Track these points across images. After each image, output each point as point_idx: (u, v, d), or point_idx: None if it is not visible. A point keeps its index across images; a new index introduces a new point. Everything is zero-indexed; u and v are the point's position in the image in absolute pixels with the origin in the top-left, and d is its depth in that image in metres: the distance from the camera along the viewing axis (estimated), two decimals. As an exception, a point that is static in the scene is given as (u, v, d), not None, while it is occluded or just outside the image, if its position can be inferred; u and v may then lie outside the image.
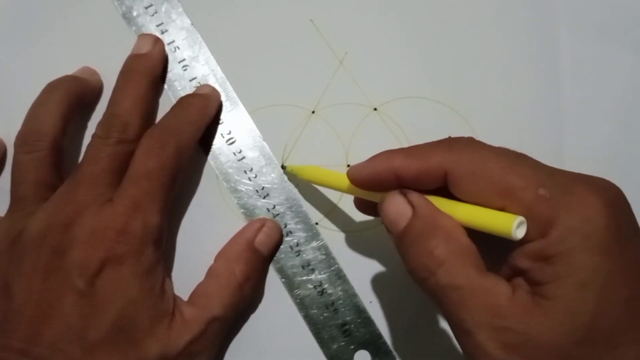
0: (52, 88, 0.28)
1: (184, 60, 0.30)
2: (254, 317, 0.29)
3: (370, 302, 0.29)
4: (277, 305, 0.29)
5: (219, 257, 0.28)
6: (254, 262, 0.27)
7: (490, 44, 0.31)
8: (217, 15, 0.31)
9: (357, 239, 0.29)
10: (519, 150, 0.29)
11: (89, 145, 0.26)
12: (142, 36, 0.30)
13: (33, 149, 0.26)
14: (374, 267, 0.29)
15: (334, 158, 0.30)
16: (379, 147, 0.30)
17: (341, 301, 0.28)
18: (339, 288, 0.28)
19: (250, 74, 0.30)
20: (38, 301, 0.23)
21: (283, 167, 0.29)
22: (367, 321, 0.28)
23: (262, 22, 0.31)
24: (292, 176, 0.29)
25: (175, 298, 0.26)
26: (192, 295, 0.26)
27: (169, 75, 0.30)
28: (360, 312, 0.28)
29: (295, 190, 0.29)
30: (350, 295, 0.28)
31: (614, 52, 0.31)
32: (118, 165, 0.26)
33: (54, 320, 0.23)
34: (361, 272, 0.29)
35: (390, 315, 0.29)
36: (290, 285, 0.28)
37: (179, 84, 0.30)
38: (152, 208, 0.25)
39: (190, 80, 0.30)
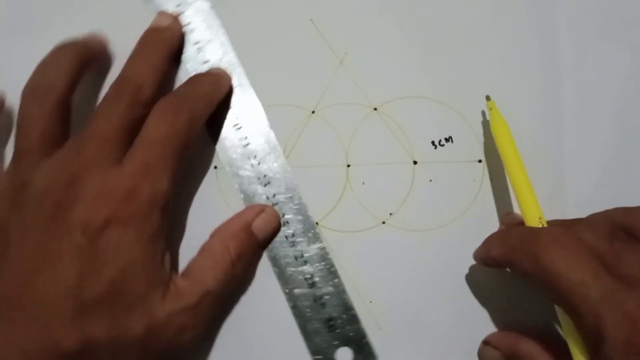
0: (63, 47, 0.28)
1: (198, 42, 0.30)
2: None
3: (371, 302, 0.29)
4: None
5: (214, 234, 0.27)
6: (248, 243, 0.27)
7: (490, 44, 0.31)
8: (215, 16, 0.31)
9: (357, 239, 0.29)
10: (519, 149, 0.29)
11: (99, 106, 0.26)
12: (162, 13, 0.30)
13: (41, 101, 0.26)
14: (374, 267, 0.29)
15: (334, 158, 0.30)
16: (379, 147, 0.30)
17: (330, 296, 0.28)
18: (330, 283, 0.28)
19: (250, 74, 0.30)
20: (35, 251, 0.23)
21: (488, 97, 0.28)
22: (354, 319, 0.28)
23: (262, 21, 0.31)
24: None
25: (171, 270, 0.26)
26: (186, 270, 0.26)
27: (182, 57, 0.30)
28: (348, 309, 0.28)
29: (296, 182, 0.29)
30: (340, 291, 0.28)
31: (613, 52, 0.31)
32: (128, 128, 0.25)
33: (49, 273, 0.23)
34: (361, 272, 0.29)
35: (390, 315, 0.29)
36: (282, 274, 0.28)
37: (191, 66, 0.30)
38: (162, 174, 0.25)
39: (204, 63, 0.30)
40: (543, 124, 0.30)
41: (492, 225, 0.29)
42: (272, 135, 0.29)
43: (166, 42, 0.28)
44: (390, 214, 0.29)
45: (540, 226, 0.25)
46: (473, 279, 0.29)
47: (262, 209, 0.28)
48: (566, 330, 0.24)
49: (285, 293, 0.28)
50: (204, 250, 0.27)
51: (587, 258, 0.23)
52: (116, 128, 0.25)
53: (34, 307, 0.22)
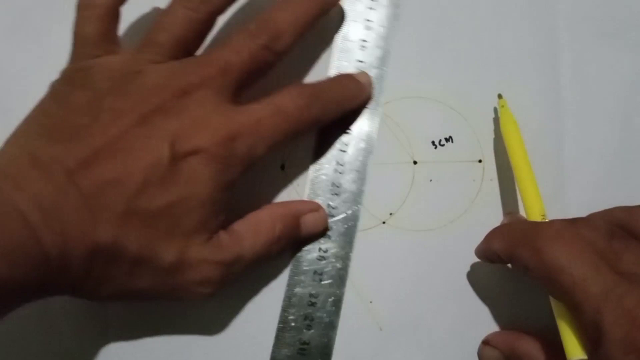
0: None
1: (365, 40, 0.30)
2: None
3: (371, 302, 0.29)
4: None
5: (266, 208, 0.27)
6: (292, 232, 0.27)
7: (490, 44, 0.31)
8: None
9: (357, 239, 0.29)
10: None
11: (233, 35, 0.25)
12: None
13: (195, 6, 0.25)
14: (374, 267, 0.29)
15: (334, 158, 0.30)
16: (378, 147, 0.30)
17: (320, 325, 0.28)
18: (328, 314, 0.28)
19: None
20: (117, 138, 0.23)
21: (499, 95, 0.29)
22: (326, 358, 0.28)
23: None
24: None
25: (222, 226, 0.25)
26: (230, 229, 0.26)
27: (341, 38, 0.30)
28: (328, 346, 0.28)
29: (359, 207, 0.29)
30: (331, 327, 0.28)
31: (613, 52, 0.31)
32: (253, 68, 0.25)
33: (118, 166, 0.22)
34: (361, 272, 0.29)
35: (390, 315, 0.29)
36: (294, 274, 0.28)
37: (344, 56, 0.30)
38: (266, 141, 0.25)
39: (357, 61, 0.30)
40: (543, 124, 0.30)
41: (492, 225, 0.29)
42: (370, 158, 0.29)
43: (321, 5, 0.27)
44: (390, 214, 0.29)
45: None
46: (473, 279, 0.29)
47: (316, 208, 0.28)
48: (560, 324, 0.24)
49: (286, 291, 0.28)
50: (251, 218, 0.26)
51: (589, 253, 0.23)
52: (243, 62, 0.25)
53: (90, 191, 0.22)
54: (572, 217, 0.27)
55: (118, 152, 0.22)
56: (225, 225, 0.25)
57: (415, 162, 0.30)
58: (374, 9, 0.30)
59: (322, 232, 0.28)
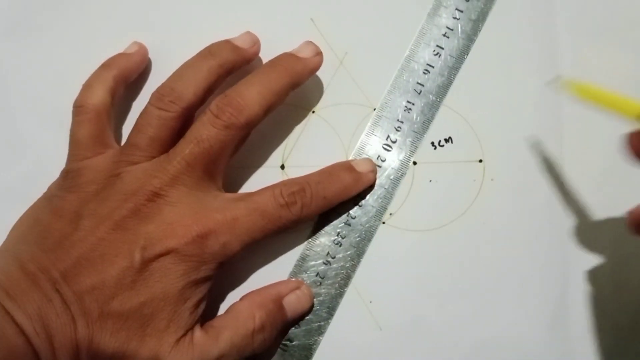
0: (209, 53, 0.27)
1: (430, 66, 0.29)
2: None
3: (371, 302, 0.29)
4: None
5: (245, 297, 0.27)
6: (274, 317, 0.27)
7: (489, 44, 0.30)
8: (209, 14, 0.31)
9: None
10: (517, 149, 0.29)
11: (196, 122, 0.26)
12: (308, 42, 0.28)
13: (164, 107, 0.26)
14: (374, 267, 0.29)
15: (334, 158, 0.30)
16: (379, 147, 0.30)
17: (307, 327, 0.28)
18: (317, 319, 0.28)
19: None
20: (95, 246, 0.24)
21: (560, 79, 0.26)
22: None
23: (263, 21, 0.31)
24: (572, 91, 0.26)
25: (199, 319, 0.25)
26: (208, 324, 0.26)
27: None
28: (311, 349, 0.28)
29: (376, 224, 0.29)
30: (317, 332, 0.28)
31: (614, 52, 0.31)
32: (218, 153, 0.26)
33: (96, 272, 0.24)
34: (361, 272, 0.29)
35: (390, 315, 0.29)
36: (296, 271, 0.28)
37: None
38: (242, 239, 0.25)
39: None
40: (543, 124, 0.30)
41: (492, 225, 0.29)
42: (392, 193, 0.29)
43: (296, 73, 0.27)
44: (390, 214, 0.29)
45: None
46: (473, 279, 0.29)
47: (297, 285, 0.28)
48: None
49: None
50: (230, 310, 0.27)
51: None
52: (206, 150, 0.25)
53: (71, 299, 0.23)
54: (572, 218, 0.27)
55: (95, 259, 0.24)
56: (205, 319, 0.26)
57: (415, 163, 0.30)
58: (447, 37, 0.30)
59: (310, 308, 0.28)
